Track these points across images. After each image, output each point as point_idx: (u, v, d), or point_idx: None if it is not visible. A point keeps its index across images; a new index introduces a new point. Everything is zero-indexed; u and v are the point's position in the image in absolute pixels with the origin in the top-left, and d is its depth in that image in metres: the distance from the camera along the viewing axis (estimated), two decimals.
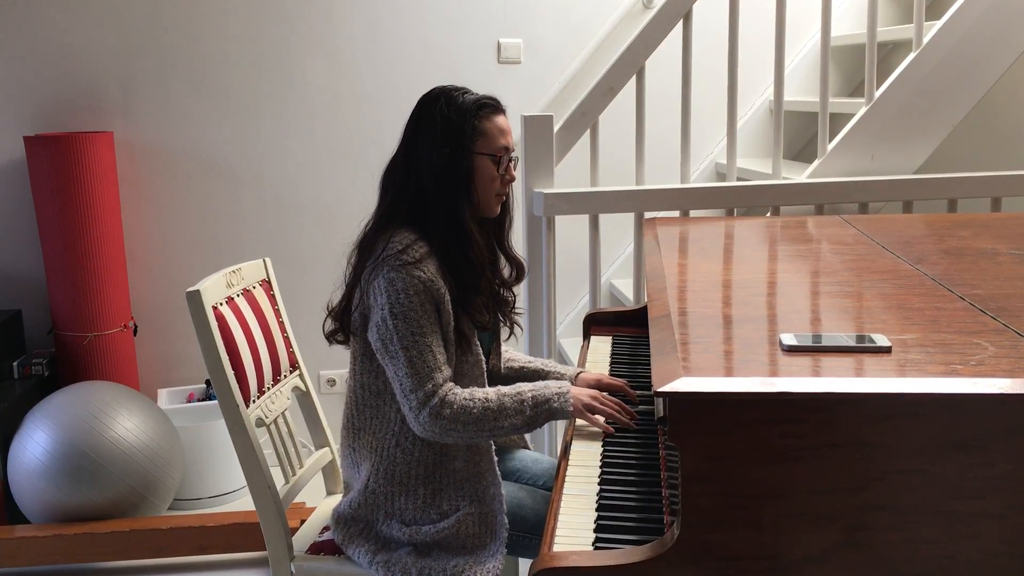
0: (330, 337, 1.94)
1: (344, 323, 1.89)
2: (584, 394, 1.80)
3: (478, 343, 1.89)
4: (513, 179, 1.92)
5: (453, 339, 1.83)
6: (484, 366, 1.91)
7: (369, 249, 1.85)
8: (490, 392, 1.79)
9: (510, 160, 1.90)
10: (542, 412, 1.78)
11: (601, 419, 1.77)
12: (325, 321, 1.93)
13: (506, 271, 2.02)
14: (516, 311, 2.05)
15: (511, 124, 1.93)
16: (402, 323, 1.76)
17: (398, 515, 1.85)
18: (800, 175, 3.13)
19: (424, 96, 1.90)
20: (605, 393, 1.87)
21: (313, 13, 3.59)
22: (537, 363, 2.08)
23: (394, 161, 1.91)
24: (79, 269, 3.33)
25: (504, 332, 2.06)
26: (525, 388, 1.81)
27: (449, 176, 1.84)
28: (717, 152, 3.89)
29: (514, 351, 2.14)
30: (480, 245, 1.86)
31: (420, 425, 1.77)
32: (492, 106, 1.89)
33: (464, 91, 1.89)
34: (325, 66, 3.63)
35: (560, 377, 2.01)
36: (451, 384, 1.79)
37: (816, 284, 1.78)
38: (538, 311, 2.86)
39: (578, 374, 1.99)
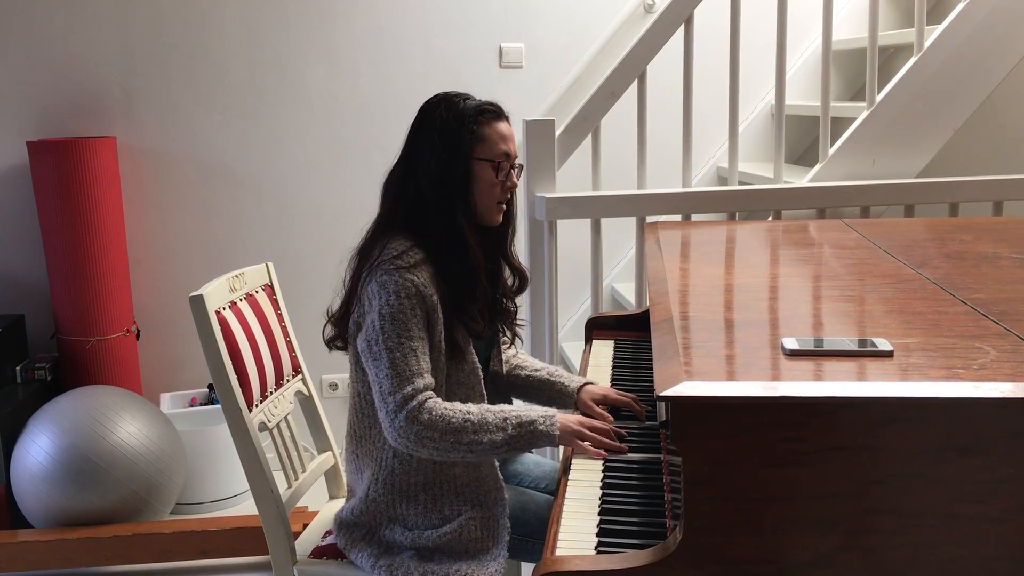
0: (330, 343, 1.93)
1: (342, 329, 1.89)
2: (572, 421, 1.76)
3: (473, 352, 1.87)
4: (514, 186, 1.89)
5: (444, 349, 1.80)
6: (480, 375, 1.88)
7: (367, 255, 1.85)
8: (473, 407, 1.75)
9: (512, 167, 1.88)
10: (526, 433, 1.73)
11: (591, 447, 1.72)
12: (325, 327, 1.93)
13: (509, 280, 1.99)
14: (518, 322, 2.03)
15: (513, 130, 1.92)
16: (389, 324, 1.73)
17: (400, 521, 1.84)
18: (802, 179, 3.13)
19: (426, 102, 1.89)
20: (605, 408, 1.86)
21: (315, 17, 3.60)
22: (544, 372, 2.04)
23: (395, 167, 1.90)
24: (82, 273, 3.33)
25: (504, 341, 2.04)
26: (510, 407, 1.78)
27: (447, 182, 1.82)
28: (719, 156, 3.89)
29: (524, 355, 2.11)
30: (477, 253, 1.83)
31: (395, 431, 1.72)
32: (493, 112, 1.87)
33: (466, 97, 1.88)
34: (327, 71, 3.64)
35: (565, 387, 1.98)
36: (433, 393, 1.75)
37: (818, 288, 1.78)
38: (540, 315, 2.86)
39: (584, 385, 1.97)
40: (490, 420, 1.73)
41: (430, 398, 1.73)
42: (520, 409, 1.77)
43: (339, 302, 1.90)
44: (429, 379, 1.75)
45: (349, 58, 3.64)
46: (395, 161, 1.91)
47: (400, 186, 1.87)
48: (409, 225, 1.84)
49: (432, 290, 1.78)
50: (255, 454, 1.93)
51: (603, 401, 1.91)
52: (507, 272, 1.99)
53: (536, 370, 2.05)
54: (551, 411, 1.77)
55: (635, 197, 2.88)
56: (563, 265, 3.08)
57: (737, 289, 1.78)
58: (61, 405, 3.06)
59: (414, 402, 1.71)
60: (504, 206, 1.90)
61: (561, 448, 1.77)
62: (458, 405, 1.74)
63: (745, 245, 2.25)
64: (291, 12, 3.58)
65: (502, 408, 1.76)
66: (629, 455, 1.71)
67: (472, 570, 1.77)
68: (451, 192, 1.82)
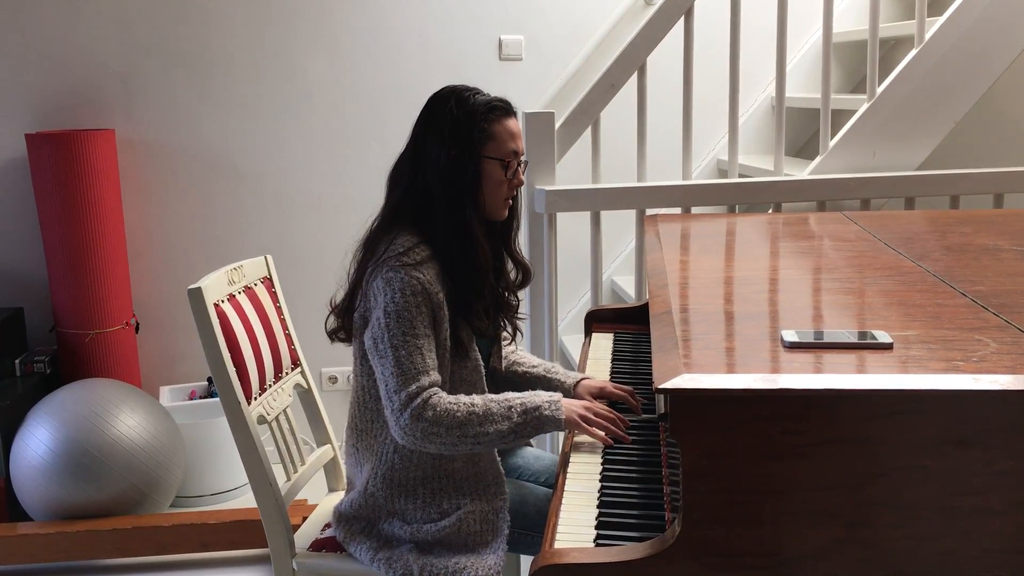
0: (332, 335, 1.93)
1: (346, 322, 1.88)
2: (577, 405, 1.76)
3: (476, 349, 1.87)
4: (521, 183, 1.89)
5: (449, 346, 1.80)
6: (482, 371, 1.88)
7: (373, 248, 1.83)
8: (476, 398, 1.75)
9: (519, 164, 1.87)
10: (531, 419, 1.73)
11: (598, 431, 1.72)
12: (328, 318, 1.92)
13: (512, 274, 1.99)
14: (519, 316, 2.02)
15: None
16: (395, 322, 1.73)
17: (399, 515, 1.84)
18: (802, 172, 3.13)
19: (434, 95, 1.87)
20: (602, 402, 1.86)
21: (315, 10, 3.59)
22: (540, 369, 2.04)
23: (401, 159, 1.88)
24: (81, 266, 3.33)
25: (506, 337, 2.04)
26: (514, 395, 1.77)
27: (456, 179, 1.81)
28: (719, 149, 3.88)
29: (522, 351, 2.11)
30: (486, 250, 1.83)
31: (400, 428, 1.72)
32: (503, 109, 1.85)
33: (475, 92, 1.86)
34: (327, 63, 3.63)
35: (562, 383, 1.98)
36: (438, 389, 1.74)
37: (818, 281, 1.78)
38: (540, 308, 2.86)
39: (581, 380, 1.96)
40: (495, 410, 1.73)
41: (434, 394, 1.72)
42: (524, 396, 1.77)
43: (343, 294, 1.89)
44: (435, 376, 1.75)
45: (349, 50, 3.63)
46: (401, 154, 1.89)
47: (407, 181, 1.85)
48: (416, 221, 1.83)
49: (438, 288, 1.77)
50: (254, 447, 1.93)
51: (600, 395, 1.91)
52: (510, 266, 1.99)
53: (533, 366, 2.05)
54: (555, 396, 1.76)
55: (635, 190, 2.88)
56: (563, 258, 3.08)
57: (737, 282, 1.77)
58: (60, 398, 3.06)
59: (418, 399, 1.71)
60: (510, 202, 1.90)
61: (561, 442, 1.76)
62: (462, 398, 1.74)
63: (745, 238, 2.24)
64: (291, 4, 3.57)
65: (506, 396, 1.76)
66: (628, 447, 1.71)
67: (471, 563, 1.77)
68: (460, 189, 1.81)
